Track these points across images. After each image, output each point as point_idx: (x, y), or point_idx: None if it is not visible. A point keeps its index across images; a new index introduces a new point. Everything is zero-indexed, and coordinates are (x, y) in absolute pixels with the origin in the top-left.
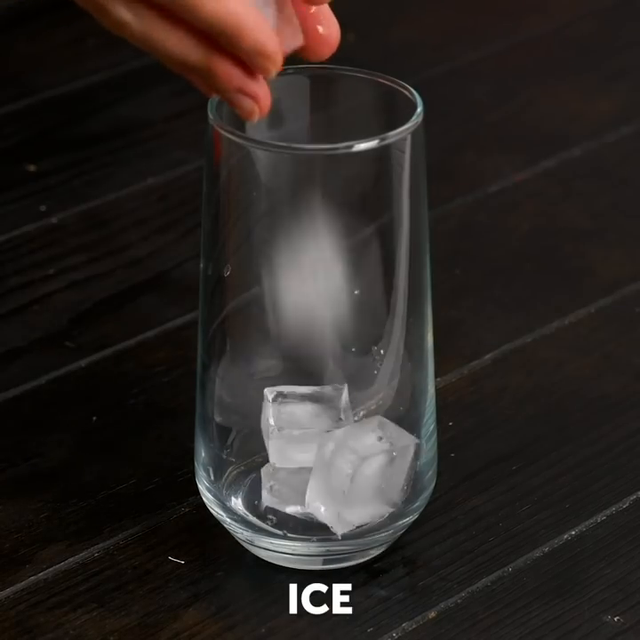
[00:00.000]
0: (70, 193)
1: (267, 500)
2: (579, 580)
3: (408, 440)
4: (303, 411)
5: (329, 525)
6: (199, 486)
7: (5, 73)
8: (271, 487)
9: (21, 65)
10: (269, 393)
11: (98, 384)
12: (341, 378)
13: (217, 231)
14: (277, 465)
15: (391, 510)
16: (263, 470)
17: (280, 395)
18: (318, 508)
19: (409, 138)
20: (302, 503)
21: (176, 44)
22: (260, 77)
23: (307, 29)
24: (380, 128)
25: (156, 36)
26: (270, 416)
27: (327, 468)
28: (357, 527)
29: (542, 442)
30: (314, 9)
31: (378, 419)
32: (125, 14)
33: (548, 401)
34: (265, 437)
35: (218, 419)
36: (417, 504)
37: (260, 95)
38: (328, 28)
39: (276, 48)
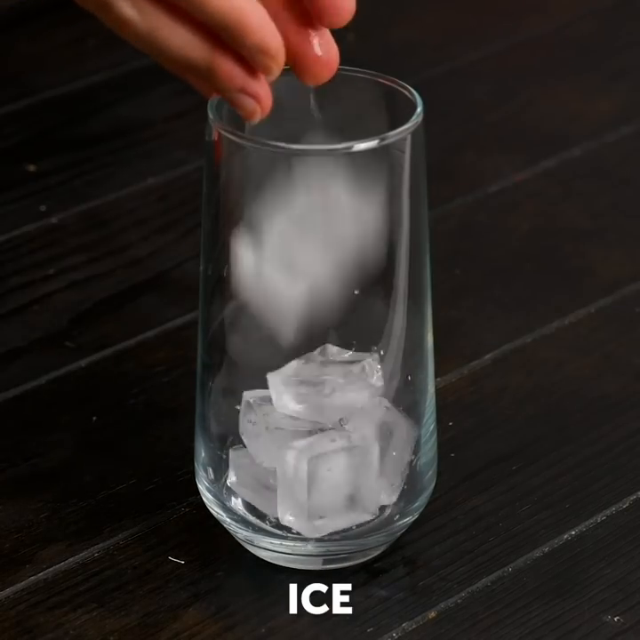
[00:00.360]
0: (70, 193)
1: (231, 479)
2: (579, 580)
3: (372, 443)
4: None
5: (303, 534)
6: (199, 486)
7: (5, 73)
8: (237, 471)
9: (21, 65)
10: (249, 397)
11: (98, 384)
12: None
13: (217, 231)
14: (265, 464)
15: (369, 518)
16: (232, 452)
17: (260, 398)
18: (290, 520)
19: (409, 138)
20: (260, 494)
21: (179, 41)
22: (262, 77)
23: (304, 51)
24: (380, 128)
25: (160, 33)
26: (253, 417)
27: (290, 480)
28: (334, 533)
29: (542, 442)
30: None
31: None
32: (129, 11)
33: (548, 401)
34: (246, 439)
35: (214, 427)
36: (417, 504)
37: (261, 95)
38: (326, 49)
39: (279, 46)
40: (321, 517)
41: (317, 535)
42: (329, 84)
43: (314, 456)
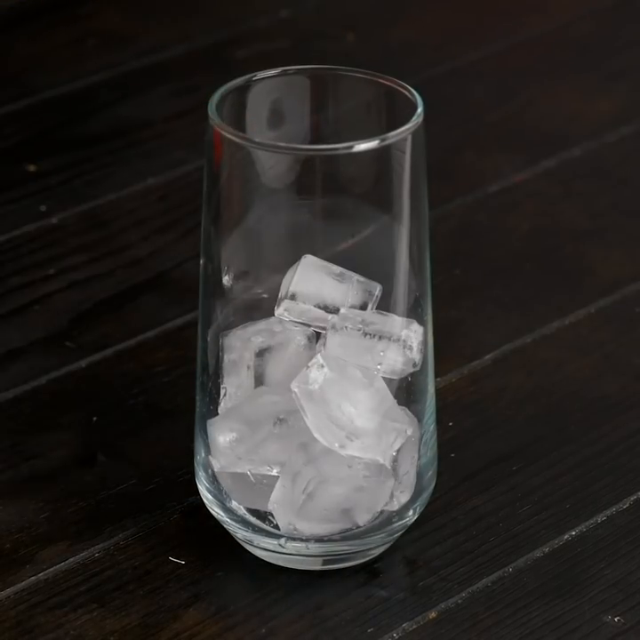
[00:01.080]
0: (70, 193)
1: (217, 456)
2: (579, 580)
3: (387, 478)
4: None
5: (281, 527)
6: (199, 486)
7: (5, 73)
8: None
9: (21, 65)
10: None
11: (98, 384)
12: None
13: (217, 231)
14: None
15: (350, 528)
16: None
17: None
18: (276, 511)
19: (409, 138)
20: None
21: None
22: None
23: None
24: (380, 128)
25: None
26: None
27: (292, 477)
28: (307, 537)
29: (542, 442)
30: None
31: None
32: None
33: (548, 401)
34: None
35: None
36: (417, 504)
37: None
38: None
39: None
40: (307, 521)
41: (293, 535)
42: (329, 84)
43: (324, 480)
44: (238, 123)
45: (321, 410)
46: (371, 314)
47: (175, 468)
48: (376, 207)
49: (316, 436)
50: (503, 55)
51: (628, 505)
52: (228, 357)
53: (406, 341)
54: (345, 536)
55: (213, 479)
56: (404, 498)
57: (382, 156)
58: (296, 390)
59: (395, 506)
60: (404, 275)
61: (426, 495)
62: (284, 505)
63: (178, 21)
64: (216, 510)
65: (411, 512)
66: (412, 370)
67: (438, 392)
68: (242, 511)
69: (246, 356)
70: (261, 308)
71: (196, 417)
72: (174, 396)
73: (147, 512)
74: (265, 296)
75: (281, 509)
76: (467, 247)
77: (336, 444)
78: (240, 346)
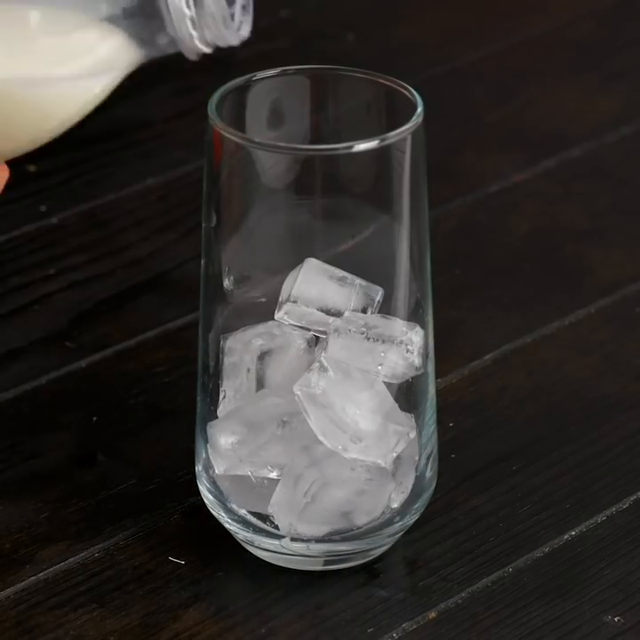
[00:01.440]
0: (70, 193)
1: (221, 458)
2: (579, 580)
3: (387, 481)
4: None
5: (281, 529)
6: (199, 487)
7: None
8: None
9: None
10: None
11: (98, 384)
12: None
13: (217, 231)
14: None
15: (349, 529)
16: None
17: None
18: (277, 513)
19: (409, 138)
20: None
21: None
22: None
23: None
24: (380, 128)
25: None
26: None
27: (294, 479)
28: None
29: (542, 442)
30: None
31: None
32: None
33: (548, 401)
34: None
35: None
36: (417, 504)
37: None
38: None
39: None
40: (308, 524)
41: (293, 535)
42: (329, 84)
43: (328, 482)
44: (238, 123)
45: (324, 413)
46: (373, 317)
47: (175, 469)
48: (376, 207)
49: (320, 439)
50: (503, 55)
51: (627, 505)
52: (228, 360)
53: (408, 345)
54: (345, 536)
55: (214, 480)
56: (401, 500)
57: (382, 156)
58: (299, 393)
59: (390, 510)
60: (404, 275)
61: (426, 496)
62: (285, 507)
63: None
64: (216, 511)
65: (411, 513)
66: (413, 373)
67: (438, 392)
68: (242, 512)
69: (246, 359)
70: (262, 312)
71: (197, 418)
72: (174, 397)
73: (147, 512)
74: (263, 300)
75: (282, 512)
76: (467, 247)
77: (339, 447)
78: (240, 349)
